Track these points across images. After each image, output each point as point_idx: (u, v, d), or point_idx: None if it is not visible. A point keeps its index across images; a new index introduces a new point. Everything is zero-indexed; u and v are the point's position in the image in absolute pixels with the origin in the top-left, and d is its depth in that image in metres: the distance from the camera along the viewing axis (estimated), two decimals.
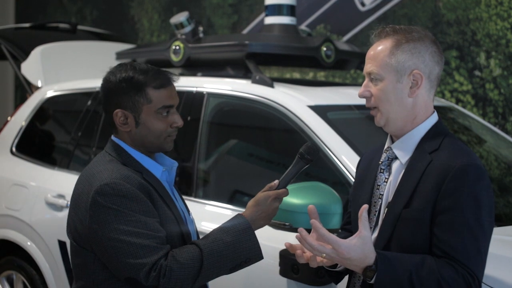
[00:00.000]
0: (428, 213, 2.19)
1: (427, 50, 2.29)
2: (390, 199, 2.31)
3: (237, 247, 2.35)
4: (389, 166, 2.36)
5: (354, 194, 2.52)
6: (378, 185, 2.38)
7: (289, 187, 2.53)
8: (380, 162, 2.39)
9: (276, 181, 2.49)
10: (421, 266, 2.12)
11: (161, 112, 2.44)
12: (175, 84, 2.52)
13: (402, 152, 2.33)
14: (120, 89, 2.44)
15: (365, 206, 2.16)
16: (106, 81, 2.49)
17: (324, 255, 2.14)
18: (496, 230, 2.28)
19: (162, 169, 2.51)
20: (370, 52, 2.34)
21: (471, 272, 2.13)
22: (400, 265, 2.13)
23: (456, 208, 2.15)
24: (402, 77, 2.28)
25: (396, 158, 2.35)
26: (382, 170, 2.38)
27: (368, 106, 2.36)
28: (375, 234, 2.34)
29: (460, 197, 2.15)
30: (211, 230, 2.43)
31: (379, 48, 2.31)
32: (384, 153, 2.39)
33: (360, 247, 2.12)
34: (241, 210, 3.28)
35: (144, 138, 2.46)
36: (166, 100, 2.45)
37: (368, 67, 2.32)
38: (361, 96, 2.35)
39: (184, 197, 3.08)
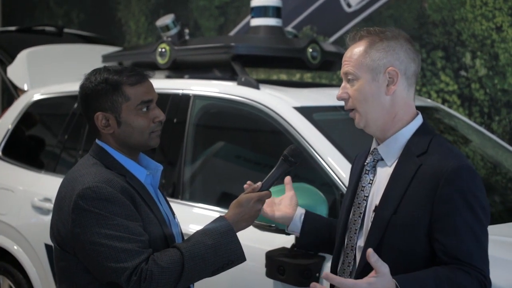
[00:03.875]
0: (424, 219, 2.17)
1: (402, 47, 2.29)
2: (375, 202, 2.29)
3: (219, 250, 2.34)
4: (374, 168, 2.35)
5: (345, 196, 2.52)
6: (362, 186, 2.36)
7: (275, 188, 2.53)
8: (365, 163, 2.38)
9: (259, 183, 2.48)
10: (439, 280, 2.10)
11: (140, 108, 2.43)
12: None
13: (388, 154, 2.31)
14: (97, 92, 2.43)
15: (370, 251, 2.08)
16: (82, 87, 2.48)
17: None
18: None
19: (146, 173, 2.50)
20: (347, 54, 2.33)
21: (481, 271, 2.13)
22: (420, 285, 2.11)
23: (455, 211, 2.14)
24: (378, 75, 2.27)
25: (381, 160, 2.33)
26: (367, 172, 2.36)
27: (347, 109, 2.34)
28: (362, 237, 2.32)
29: (456, 200, 2.14)
30: (194, 232, 2.42)
31: (354, 50, 2.31)
32: (370, 155, 2.37)
33: (380, 282, 2.07)
34: None
35: (128, 137, 2.45)
36: (144, 95, 2.44)
37: (344, 68, 2.32)
38: (339, 98, 2.34)
39: (171, 199, 3.08)
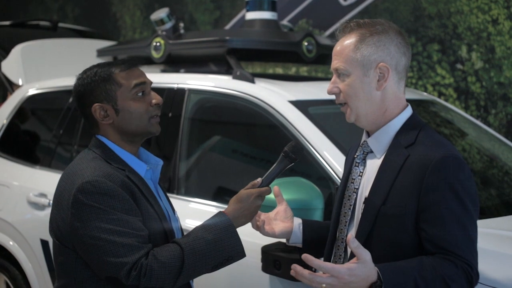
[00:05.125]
0: (411, 209, 2.18)
1: (392, 42, 2.28)
2: (365, 194, 2.30)
3: (219, 245, 2.34)
4: (364, 160, 2.36)
5: (338, 189, 2.52)
6: (353, 178, 2.38)
7: (273, 183, 2.52)
8: (355, 156, 2.40)
9: (259, 179, 2.48)
10: (422, 269, 2.11)
11: (136, 93, 2.44)
12: (154, 80, 2.53)
13: (377, 147, 2.32)
14: (90, 86, 2.44)
15: (350, 236, 2.09)
16: (76, 87, 2.50)
17: (324, 285, 2.09)
18: (479, 223, 2.28)
19: (146, 167, 2.50)
20: (336, 48, 2.33)
21: (468, 262, 2.13)
22: (403, 273, 2.11)
23: (441, 201, 2.15)
24: (369, 71, 2.27)
25: (371, 152, 2.34)
26: (357, 164, 2.38)
27: (338, 103, 2.35)
28: (352, 229, 2.34)
29: (443, 189, 2.15)
30: (193, 227, 2.42)
31: (344, 44, 2.30)
32: (360, 147, 2.39)
33: (361, 268, 2.07)
34: (224, 206, 3.28)
35: (128, 124, 2.44)
36: (135, 78, 2.45)
37: (335, 63, 2.32)
38: (329, 92, 2.35)
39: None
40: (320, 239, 2.60)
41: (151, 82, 2.51)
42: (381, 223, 2.23)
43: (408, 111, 2.34)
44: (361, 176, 2.35)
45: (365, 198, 2.29)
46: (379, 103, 2.29)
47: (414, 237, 2.19)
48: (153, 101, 2.46)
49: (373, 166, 2.32)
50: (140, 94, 2.44)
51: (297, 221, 2.62)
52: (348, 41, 2.30)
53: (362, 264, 2.07)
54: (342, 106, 2.35)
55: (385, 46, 2.27)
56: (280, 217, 2.61)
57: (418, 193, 2.17)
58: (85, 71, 2.49)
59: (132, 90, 2.43)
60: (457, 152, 2.23)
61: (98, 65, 2.48)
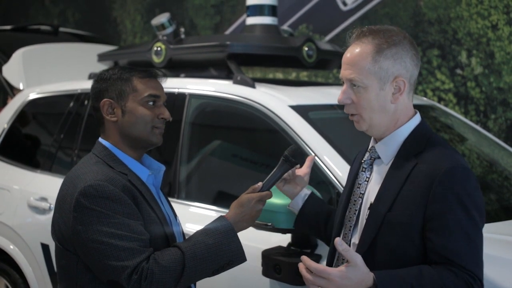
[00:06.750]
0: (418, 218, 2.17)
1: (408, 54, 2.25)
2: (371, 199, 2.29)
3: (220, 250, 2.34)
4: (371, 166, 2.35)
5: (342, 192, 2.52)
6: (359, 183, 2.36)
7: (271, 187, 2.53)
8: (362, 161, 2.38)
9: (260, 183, 2.48)
10: (421, 278, 2.10)
11: (147, 101, 2.46)
12: (163, 84, 2.56)
13: (385, 153, 2.30)
14: (107, 82, 2.48)
15: (337, 239, 2.10)
16: (95, 81, 2.53)
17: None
18: None
19: (149, 173, 2.51)
20: (347, 55, 2.28)
21: (472, 273, 2.11)
22: (399, 280, 2.10)
23: (448, 211, 2.13)
24: (385, 84, 2.23)
25: (378, 158, 2.33)
26: (364, 169, 2.36)
27: (348, 113, 2.31)
28: (356, 234, 2.33)
29: (450, 200, 2.13)
30: (194, 232, 2.42)
31: (358, 52, 2.25)
32: (368, 153, 2.37)
33: (352, 272, 2.08)
34: (224, 211, 3.28)
35: (131, 128, 2.46)
36: (151, 90, 2.47)
37: (348, 73, 2.26)
38: (341, 102, 2.30)
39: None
40: (316, 217, 2.63)
41: (166, 98, 2.53)
42: (386, 230, 2.21)
43: (417, 119, 2.33)
44: (367, 181, 2.34)
45: (371, 204, 2.28)
46: (392, 115, 2.27)
47: (419, 246, 2.18)
48: (161, 115, 2.48)
49: (380, 172, 2.30)
50: (151, 103, 2.47)
51: (306, 192, 2.65)
52: (363, 50, 2.24)
53: (353, 268, 2.08)
54: (352, 115, 2.31)
55: (401, 59, 2.23)
56: (296, 179, 2.64)
57: (425, 202, 2.16)
58: (108, 69, 2.53)
59: (145, 98, 2.45)
60: (465, 162, 2.22)
61: (122, 67, 2.52)
